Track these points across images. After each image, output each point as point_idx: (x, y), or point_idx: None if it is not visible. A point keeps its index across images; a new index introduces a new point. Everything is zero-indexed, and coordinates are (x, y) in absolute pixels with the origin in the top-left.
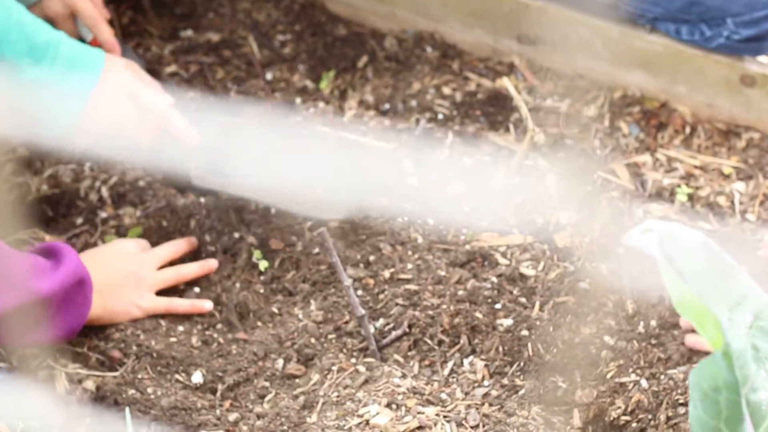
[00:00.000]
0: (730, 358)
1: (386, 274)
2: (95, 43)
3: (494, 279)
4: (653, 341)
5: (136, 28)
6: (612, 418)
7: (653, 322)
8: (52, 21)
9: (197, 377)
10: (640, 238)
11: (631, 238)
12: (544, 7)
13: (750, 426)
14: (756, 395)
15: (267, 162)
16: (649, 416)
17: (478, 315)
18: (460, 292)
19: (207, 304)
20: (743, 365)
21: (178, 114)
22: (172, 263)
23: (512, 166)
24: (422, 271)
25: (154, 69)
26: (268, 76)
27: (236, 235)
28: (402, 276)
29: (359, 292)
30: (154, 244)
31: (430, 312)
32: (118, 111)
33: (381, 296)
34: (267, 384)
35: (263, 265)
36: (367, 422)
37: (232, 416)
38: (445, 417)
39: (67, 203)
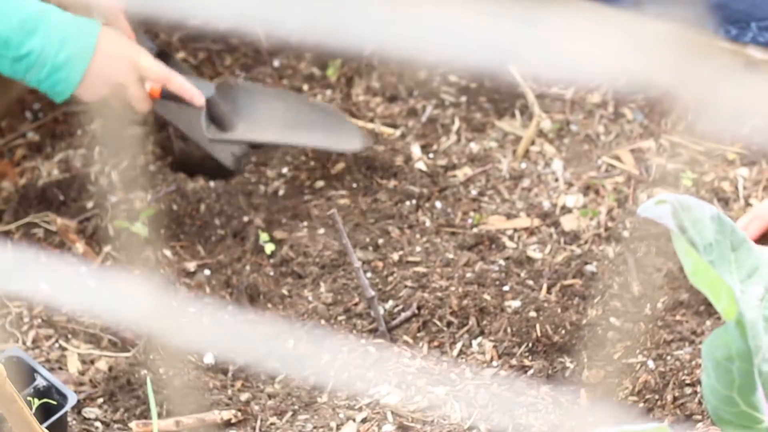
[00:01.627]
0: (744, 328)
1: (395, 256)
2: None
3: (502, 262)
4: (659, 323)
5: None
6: (619, 398)
7: (659, 304)
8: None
9: (209, 358)
10: (654, 209)
11: (646, 209)
12: None
13: (762, 395)
14: None
15: (276, 109)
16: (656, 396)
17: (487, 297)
18: (469, 275)
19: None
20: (755, 335)
21: (178, 75)
22: None
23: (519, 152)
24: (431, 254)
25: (165, 52)
26: (276, 63)
27: (245, 218)
28: (411, 258)
29: (368, 275)
30: (165, 227)
31: (439, 294)
32: (118, 78)
33: (390, 278)
34: (278, 365)
35: (269, 248)
36: (378, 402)
37: (244, 396)
38: (454, 396)
39: (78, 187)
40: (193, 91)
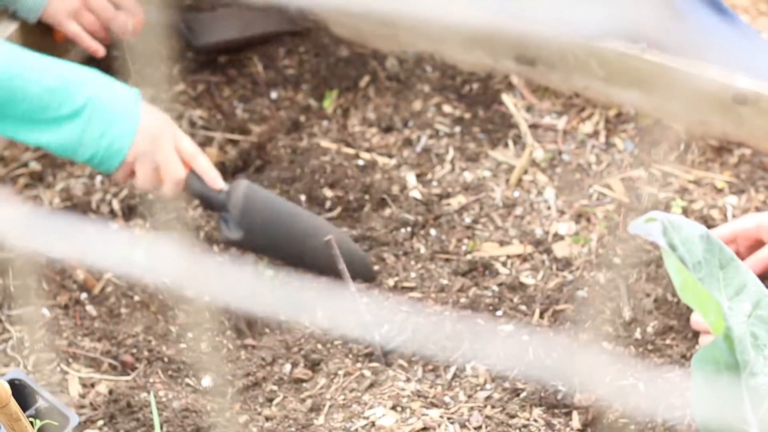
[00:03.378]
0: (731, 342)
1: (390, 282)
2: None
3: (495, 287)
4: (650, 347)
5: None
6: (610, 421)
7: (649, 329)
8: (69, 16)
9: (207, 381)
10: (644, 227)
11: (636, 227)
12: (543, 31)
13: (749, 408)
14: (755, 379)
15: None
16: (647, 419)
17: (480, 321)
18: (462, 300)
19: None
20: (743, 350)
21: (204, 156)
22: None
23: (512, 181)
24: (425, 280)
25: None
26: (273, 95)
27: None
28: (406, 284)
29: (364, 300)
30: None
31: (434, 318)
32: (160, 156)
33: (385, 303)
34: (275, 388)
35: (269, 274)
36: (373, 424)
37: (242, 418)
38: (448, 419)
39: (79, 216)
40: (215, 175)
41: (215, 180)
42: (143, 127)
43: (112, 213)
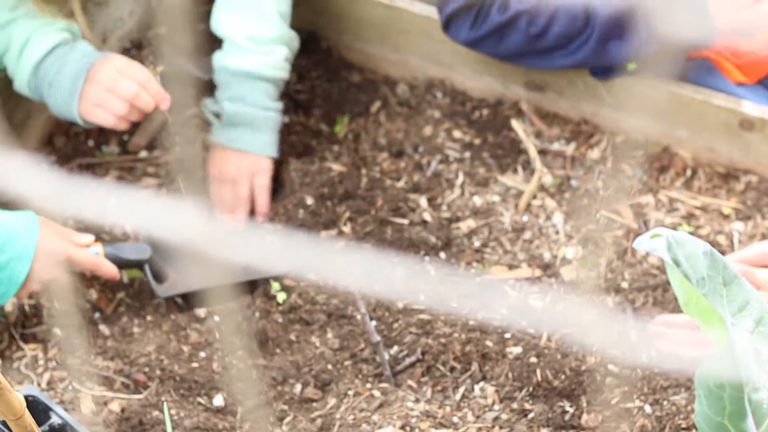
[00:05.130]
0: (735, 357)
1: (400, 304)
2: None
3: (504, 310)
4: (656, 369)
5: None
6: None
7: (654, 352)
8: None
9: (218, 400)
10: (649, 243)
11: (641, 243)
12: None
13: (752, 422)
14: (758, 395)
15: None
16: None
17: (489, 343)
18: (471, 322)
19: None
20: (746, 365)
21: (103, 262)
22: None
23: (520, 205)
24: (435, 302)
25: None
26: (285, 119)
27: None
28: (415, 306)
29: (374, 322)
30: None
31: (443, 340)
32: (50, 275)
33: (395, 325)
34: (285, 407)
35: (282, 297)
36: None
37: None
38: None
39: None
40: (110, 268)
41: (112, 273)
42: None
43: (124, 235)
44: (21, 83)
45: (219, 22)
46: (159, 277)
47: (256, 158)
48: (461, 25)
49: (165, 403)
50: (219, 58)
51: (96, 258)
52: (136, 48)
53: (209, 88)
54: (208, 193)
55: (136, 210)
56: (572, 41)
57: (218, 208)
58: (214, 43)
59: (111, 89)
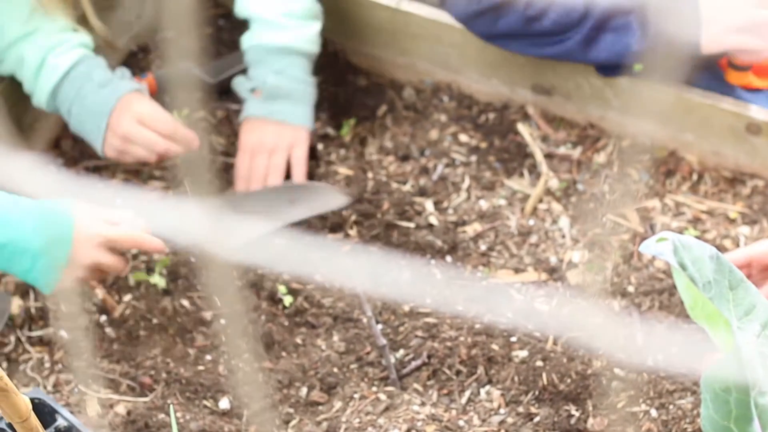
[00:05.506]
0: (741, 361)
1: (406, 308)
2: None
3: (510, 314)
4: (662, 373)
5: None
6: None
7: (660, 356)
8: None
9: (224, 403)
10: (655, 246)
11: (648, 247)
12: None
13: (758, 427)
14: (764, 398)
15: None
16: None
17: (495, 347)
18: (477, 326)
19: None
20: (752, 369)
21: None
22: None
23: (527, 209)
24: (441, 306)
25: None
26: None
27: (259, 270)
28: (421, 310)
29: (380, 326)
30: (183, 278)
31: (449, 343)
32: (92, 259)
33: (401, 329)
34: (291, 411)
35: (288, 300)
36: None
37: None
38: None
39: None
40: (155, 242)
41: (159, 247)
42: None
43: None
44: (40, 103)
45: (248, 3)
46: None
47: (295, 129)
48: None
49: (171, 406)
50: (250, 38)
51: (137, 234)
52: (143, 51)
53: (215, 91)
54: (215, 194)
55: (142, 212)
56: (566, 30)
57: (246, 178)
58: (220, 46)
59: (135, 142)
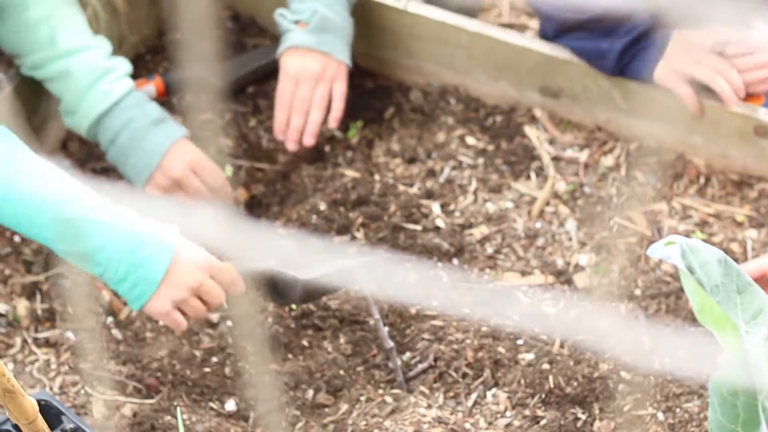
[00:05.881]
0: (749, 365)
1: (412, 310)
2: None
3: (516, 317)
4: (669, 376)
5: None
6: None
7: (667, 359)
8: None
9: (230, 405)
10: (663, 250)
11: (656, 251)
12: (568, 60)
13: (766, 430)
14: None
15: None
16: None
17: (501, 350)
18: (484, 328)
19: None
20: (760, 373)
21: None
22: None
23: (534, 212)
24: (447, 308)
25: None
26: None
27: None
28: (428, 312)
29: (386, 328)
30: None
31: (455, 346)
32: (194, 281)
33: (408, 331)
34: (297, 413)
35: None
36: None
37: None
38: None
39: None
40: (242, 286)
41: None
42: (171, 275)
43: None
44: (78, 124)
45: None
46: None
47: (338, 63)
48: None
49: (178, 408)
50: None
51: (235, 274)
52: (152, 53)
53: (224, 93)
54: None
55: (151, 213)
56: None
57: (288, 105)
58: (230, 49)
59: (181, 184)
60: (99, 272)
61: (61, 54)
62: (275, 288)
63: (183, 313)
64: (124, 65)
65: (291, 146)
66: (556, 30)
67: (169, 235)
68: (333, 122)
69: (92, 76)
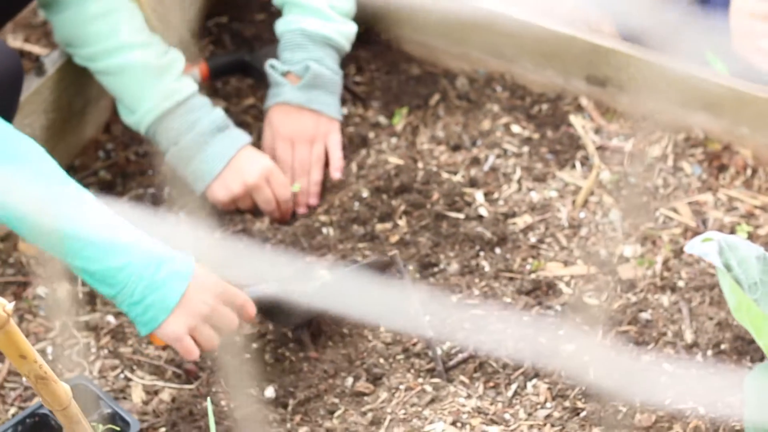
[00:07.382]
0: None
1: (454, 299)
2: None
3: (558, 307)
4: (711, 370)
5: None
6: None
7: (710, 352)
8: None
9: (269, 392)
10: (700, 247)
11: (693, 247)
12: (614, 49)
13: None
14: None
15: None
16: None
17: (542, 340)
18: (525, 318)
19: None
20: None
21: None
22: None
23: (578, 201)
24: (489, 298)
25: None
26: (343, 110)
27: (308, 259)
28: (469, 301)
29: (427, 318)
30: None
31: (496, 336)
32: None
33: (448, 320)
34: (336, 401)
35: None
36: None
37: (302, 430)
38: None
39: None
40: (253, 312)
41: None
42: (185, 302)
43: (179, 223)
44: (137, 121)
45: None
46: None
47: (329, 120)
48: None
49: (209, 399)
50: (290, 22)
51: (247, 299)
52: (195, 37)
53: (262, 77)
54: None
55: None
56: None
57: (288, 168)
58: (271, 33)
59: (256, 195)
60: (112, 293)
61: (120, 47)
62: (279, 310)
63: (195, 341)
64: (181, 62)
65: (302, 211)
66: None
67: (186, 260)
68: (336, 173)
69: (155, 73)
